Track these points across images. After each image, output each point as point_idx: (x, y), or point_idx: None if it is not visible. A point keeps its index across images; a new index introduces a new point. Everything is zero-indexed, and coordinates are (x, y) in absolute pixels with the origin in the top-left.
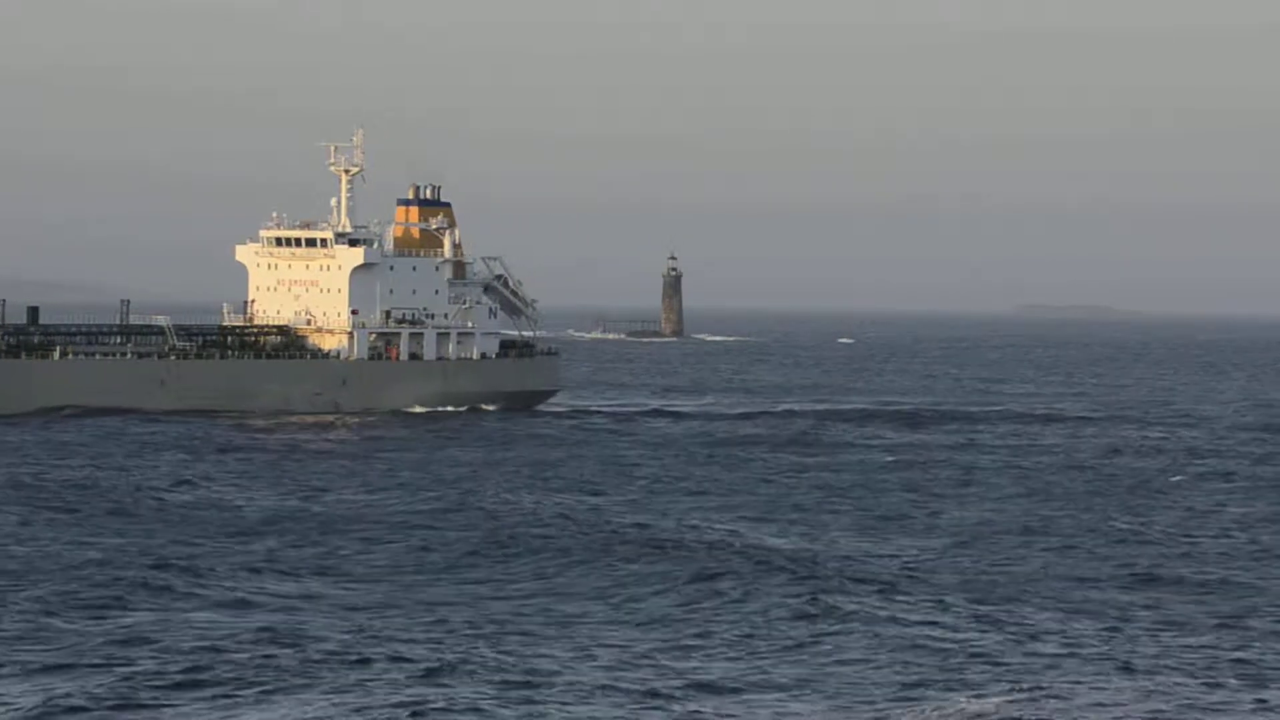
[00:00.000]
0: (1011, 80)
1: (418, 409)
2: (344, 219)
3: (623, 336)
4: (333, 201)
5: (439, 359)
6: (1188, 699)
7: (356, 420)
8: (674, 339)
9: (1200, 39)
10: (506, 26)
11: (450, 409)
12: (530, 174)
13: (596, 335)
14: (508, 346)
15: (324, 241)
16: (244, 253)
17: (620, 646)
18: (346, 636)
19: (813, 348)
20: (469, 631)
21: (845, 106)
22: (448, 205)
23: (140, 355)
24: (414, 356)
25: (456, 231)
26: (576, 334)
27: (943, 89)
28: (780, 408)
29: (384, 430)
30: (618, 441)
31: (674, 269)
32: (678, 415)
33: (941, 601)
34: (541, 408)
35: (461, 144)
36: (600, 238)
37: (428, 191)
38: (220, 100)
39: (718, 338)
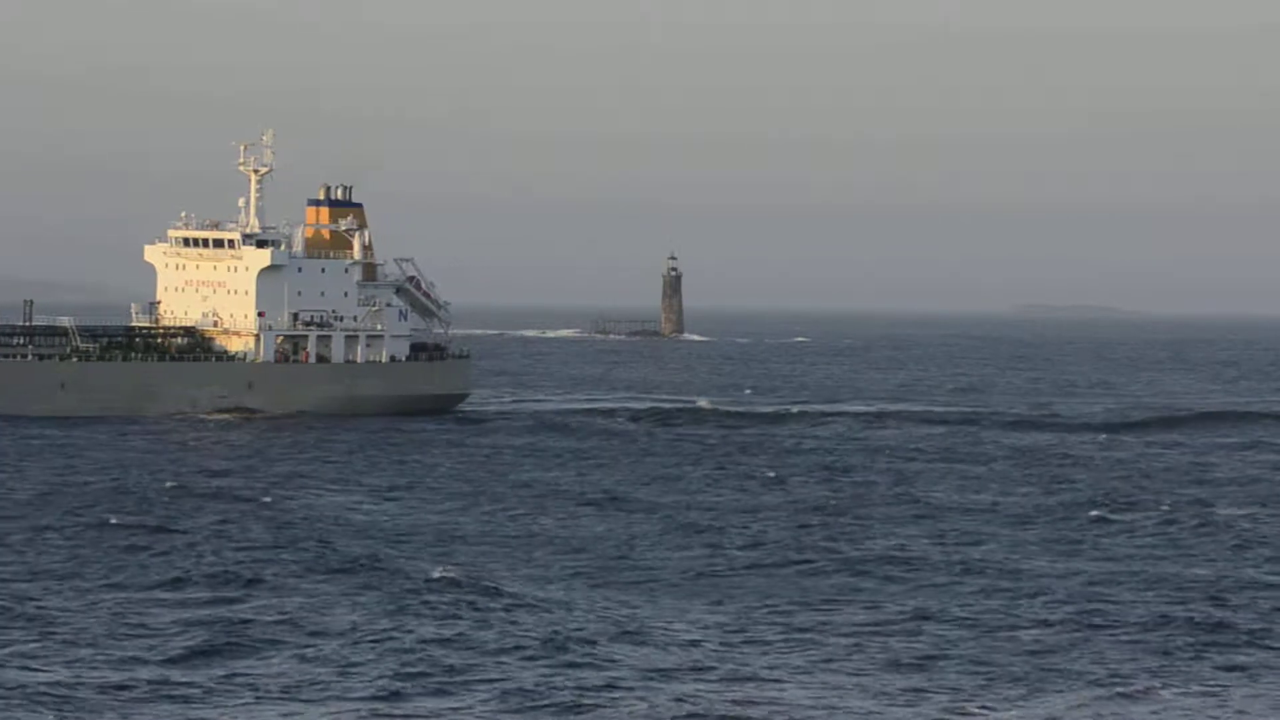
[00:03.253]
0: (1014, 80)
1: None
2: (252, 219)
3: (623, 337)
4: (241, 202)
5: (347, 362)
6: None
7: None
8: (669, 339)
9: (1201, 39)
10: (507, 26)
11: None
12: (530, 174)
13: (563, 333)
14: (419, 349)
15: (231, 242)
16: (152, 253)
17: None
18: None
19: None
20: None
21: (845, 106)
22: (359, 206)
23: (41, 357)
24: (322, 359)
25: (367, 233)
26: (527, 333)
27: (944, 88)
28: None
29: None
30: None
31: (674, 269)
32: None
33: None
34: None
35: (462, 145)
36: (599, 238)
37: (338, 192)
38: (217, 99)
39: (699, 337)
